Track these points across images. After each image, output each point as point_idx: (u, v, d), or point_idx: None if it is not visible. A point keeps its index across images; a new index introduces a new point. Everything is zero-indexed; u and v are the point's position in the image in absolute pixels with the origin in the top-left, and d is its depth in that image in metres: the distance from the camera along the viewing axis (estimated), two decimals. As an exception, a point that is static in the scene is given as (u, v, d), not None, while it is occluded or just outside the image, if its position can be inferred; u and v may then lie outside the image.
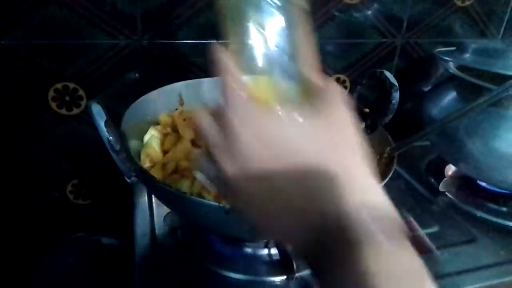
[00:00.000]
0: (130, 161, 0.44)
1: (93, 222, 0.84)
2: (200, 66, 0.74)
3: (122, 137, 0.46)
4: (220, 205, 0.39)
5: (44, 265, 0.76)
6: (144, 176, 0.44)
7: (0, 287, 0.68)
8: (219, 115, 0.29)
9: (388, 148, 0.52)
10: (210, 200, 0.42)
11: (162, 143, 0.55)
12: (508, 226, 0.64)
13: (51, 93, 0.68)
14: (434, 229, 0.62)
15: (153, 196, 0.63)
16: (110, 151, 0.41)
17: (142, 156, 0.52)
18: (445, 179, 0.72)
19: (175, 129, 0.59)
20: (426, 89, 0.87)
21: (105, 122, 0.41)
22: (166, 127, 0.58)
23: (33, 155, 0.73)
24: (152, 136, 0.55)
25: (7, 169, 0.74)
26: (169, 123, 0.59)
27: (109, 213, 0.84)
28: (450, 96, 0.66)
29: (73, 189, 0.79)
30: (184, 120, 0.59)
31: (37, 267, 0.76)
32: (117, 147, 0.41)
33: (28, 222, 0.80)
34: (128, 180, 0.44)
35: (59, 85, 0.68)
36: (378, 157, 0.53)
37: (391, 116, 0.58)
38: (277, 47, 0.32)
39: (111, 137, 0.41)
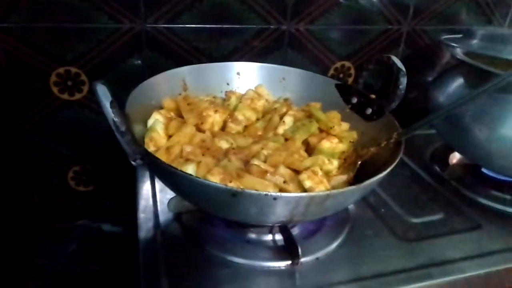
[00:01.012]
0: (136, 144, 0.43)
1: (94, 209, 0.83)
2: (204, 51, 0.73)
3: (126, 119, 0.46)
4: (227, 187, 0.39)
5: (45, 253, 0.76)
6: (150, 159, 0.43)
7: (2, 275, 0.67)
8: None
9: (395, 133, 0.52)
10: (217, 183, 0.42)
11: (166, 128, 0.54)
12: (513, 213, 0.63)
13: (53, 78, 0.68)
14: (439, 216, 0.62)
15: (156, 181, 0.63)
16: (116, 133, 0.41)
17: (146, 140, 0.51)
18: (449, 166, 0.72)
19: (178, 114, 0.58)
20: (432, 76, 0.87)
21: (111, 103, 0.40)
22: (170, 111, 0.58)
23: (34, 141, 0.72)
24: (156, 121, 0.54)
25: (8, 155, 0.73)
26: (173, 108, 0.58)
27: (111, 200, 0.83)
28: (457, 82, 0.65)
29: (74, 175, 0.78)
30: (188, 105, 0.58)
31: (38, 254, 0.76)
32: (123, 128, 0.41)
33: (29, 209, 0.80)
34: (133, 163, 0.43)
35: (61, 70, 0.67)
36: (385, 142, 0.52)
37: (398, 101, 0.57)
38: None
39: (116, 118, 0.40)
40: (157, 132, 0.52)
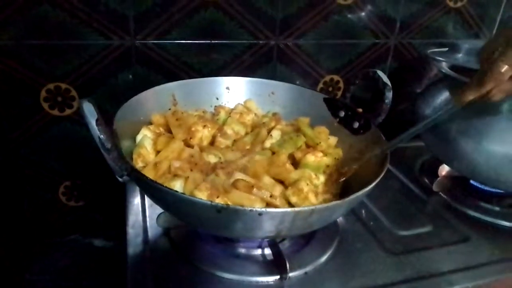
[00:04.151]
0: (122, 160, 0.43)
1: (85, 224, 0.83)
2: (193, 66, 0.73)
3: (113, 136, 0.46)
4: (212, 203, 0.39)
5: (36, 268, 0.76)
6: (136, 175, 0.43)
7: (-8, 291, 0.67)
8: None
9: (378, 147, 0.52)
10: (202, 199, 0.42)
11: (154, 143, 0.55)
12: (501, 225, 0.64)
13: (43, 94, 0.68)
14: (427, 228, 0.62)
15: (145, 197, 0.63)
16: (101, 150, 0.41)
17: (134, 156, 0.52)
18: (438, 179, 0.72)
19: (167, 129, 0.58)
20: (419, 89, 0.88)
21: (96, 121, 0.40)
22: (159, 127, 0.58)
23: (25, 156, 0.72)
24: (144, 136, 0.55)
25: (-1, 170, 0.73)
26: (162, 123, 0.59)
27: (101, 215, 0.83)
28: (443, 95, 0.66)
29: (65, 191, 0.78)
30: (177, 120, 0.58)
31: (29, 270, 0.75)
32: (108, 145, 0.41)
33: (21, 224, 0.79)
34: (119, 179, 0.44)
35: (51, 86, 0.68)
36: (368, 157, 0.53)
37: (384, 116, 0.58)
38: None
39: (102, 136, 0.40)
40: (145, 148, 0.53)
